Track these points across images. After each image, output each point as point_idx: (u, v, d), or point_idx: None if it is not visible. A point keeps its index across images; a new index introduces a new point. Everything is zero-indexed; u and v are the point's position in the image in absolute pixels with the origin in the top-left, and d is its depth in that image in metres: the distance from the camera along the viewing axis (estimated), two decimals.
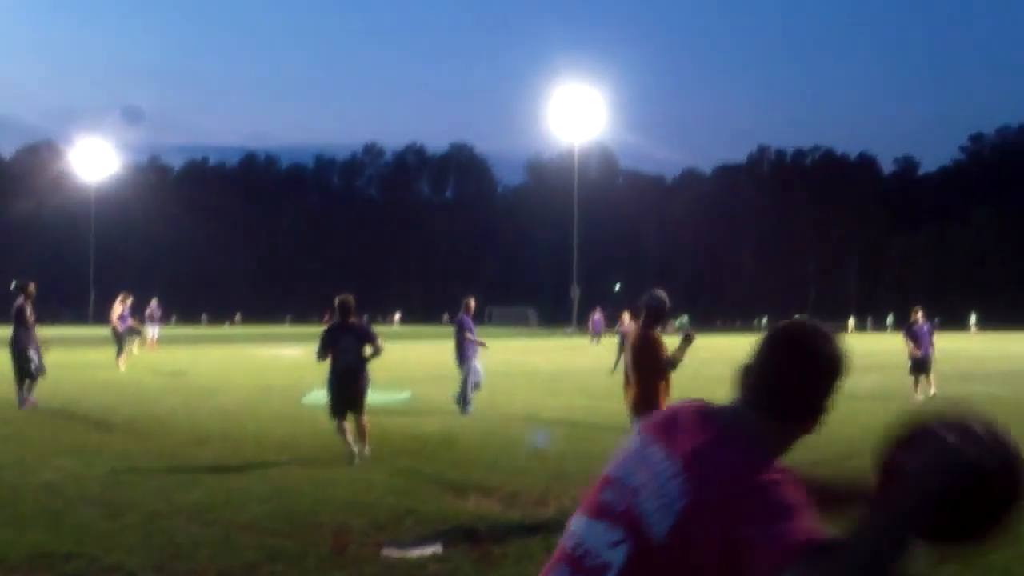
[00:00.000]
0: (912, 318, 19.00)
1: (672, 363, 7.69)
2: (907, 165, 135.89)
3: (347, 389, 10.73)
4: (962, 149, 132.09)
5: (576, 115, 79.85)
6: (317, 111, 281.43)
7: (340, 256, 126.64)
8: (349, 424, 10.64)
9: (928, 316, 20.06)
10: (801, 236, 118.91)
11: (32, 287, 16.00)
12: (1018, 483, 1.76)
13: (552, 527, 6.66)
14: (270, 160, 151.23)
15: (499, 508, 7.97)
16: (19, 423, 13.53)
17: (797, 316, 2.10)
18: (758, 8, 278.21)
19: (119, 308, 25.51)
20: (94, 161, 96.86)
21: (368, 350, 10.92)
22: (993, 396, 17.82)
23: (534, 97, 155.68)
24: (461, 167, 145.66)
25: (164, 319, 43.48)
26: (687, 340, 7.84)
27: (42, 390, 15.66)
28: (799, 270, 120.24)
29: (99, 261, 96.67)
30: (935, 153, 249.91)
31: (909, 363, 18.56)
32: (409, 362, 27.71)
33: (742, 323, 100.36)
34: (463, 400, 15.29)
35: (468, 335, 15.68)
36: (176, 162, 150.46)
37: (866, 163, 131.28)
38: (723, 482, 1.73)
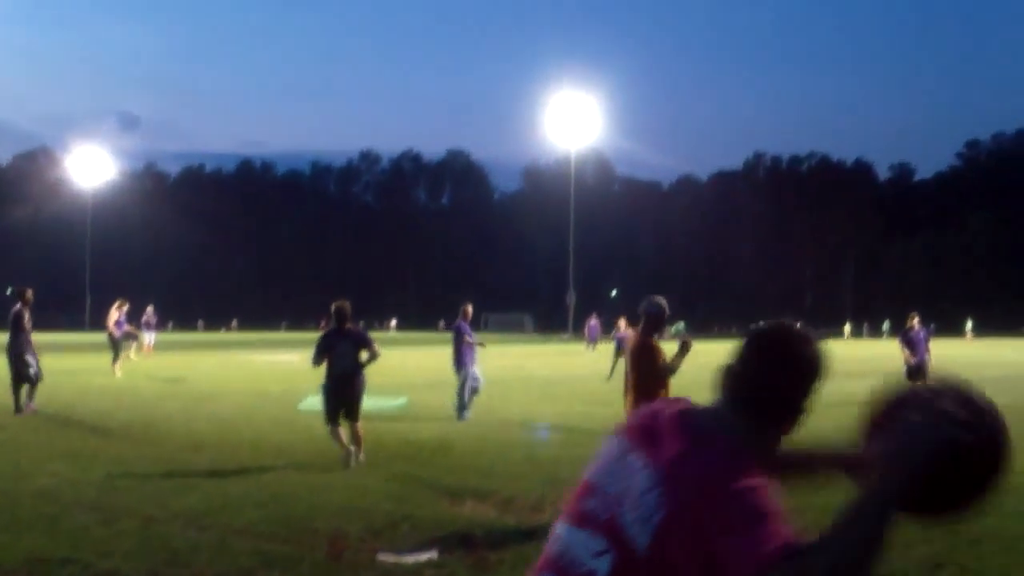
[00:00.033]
0: (908, 324, 19.00)
1: (670, 370, 7.71)
2: (903, 171, 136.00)
3: (343, 395, 10.76)
4: (958, 155, 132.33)
5: (572, 122, 79.95)
6: (313, 118, 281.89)
7: (336, 262, 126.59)
8: (344, 429, 10.67)
9: (924, 322, 20.07)
10: (797, 242, 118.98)
11: (30, 293, 16.07)
12: (1000, 453, 1.77)
13: (548, 533, 6.65)
14: (266, 167, 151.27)
15: (495, 514, 7.97)
16: (15, 428, 13.53)
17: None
18: (754, 15, 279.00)
19: (115, 314, 25.51)
20: (90, 168, 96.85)
21: (364, 355, 10.96)
22: None
23: (530, 104, 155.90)
24: (457, 174, 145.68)
25: (160, 325, 43.45)
26: (684, 348, 7.85)
27: (38, 395, 15.64)
28: (795, 276, 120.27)
29: (95, 267, 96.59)
30: (931, 159, 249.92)
31: (905, 369, 18.56)
32: (405, 368, 27.70)
33: (738, 329, 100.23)
34: (460, 406, 15.31)
35: (467, 338, 15.72)
36: (172, 169, 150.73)
37: (862, 169, 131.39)
38: (699, 493, 1.74)
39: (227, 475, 9.76)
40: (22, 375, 15.44)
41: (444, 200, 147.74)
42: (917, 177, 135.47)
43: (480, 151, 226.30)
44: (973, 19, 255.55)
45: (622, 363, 8.93)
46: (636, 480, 1.84)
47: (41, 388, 15.84)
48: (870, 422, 1.88)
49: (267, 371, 27.76)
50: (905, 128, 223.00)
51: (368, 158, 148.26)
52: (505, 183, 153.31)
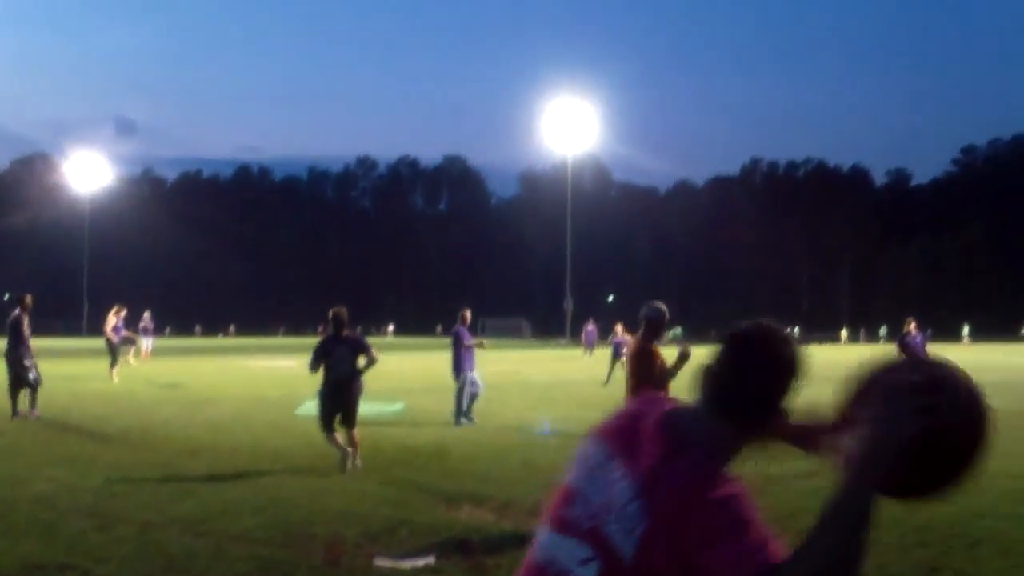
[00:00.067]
0: (905, 329, 19.04)
1: (669, 375, 7.72)
2: (899, 177, 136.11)
3: (339, 400, 10.78)
4: (954, 161, 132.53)
5: (569, 127, 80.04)
6: (311, 124, 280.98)
7: (334, 268, 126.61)
8: (340, 435, 10.70)
9: (921, 327, 20.10)
10: (794, 248, 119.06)
11: (29, 299, 16.12)
12: (977, 432, 1.76)
13: None
14: (264, 173, 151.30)
15: (492, 519, 7.98)
16: (12, 434, 13.52)
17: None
18: (751, 22, 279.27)
19: (113, 320, 25.51)
20: (88, 173, 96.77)
21: (362, 361, 10.98)
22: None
23: (527, 109, 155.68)
24: (454, 179, 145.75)
25: (158, 331, 43.43)
26: (683, 357, 7.79)
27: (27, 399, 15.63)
28: (792, 281, 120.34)
29: (93, 273, 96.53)
30: (927, 165, 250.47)
31: None
32: (403, 373, 27.69)
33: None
34: (457, 412, 15.32)
35: (465, 342, 15.77)
36: (170, 174, 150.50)
37: (858, 175, 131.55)
38: (678, 506, 1.74)
39: (224, 480, 9.77)
40: (22, 380, 15.49)
41: (441, 205, 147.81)
42: (913, 182, 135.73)
43: (477, 156, 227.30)
44: (969, 25, 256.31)
45: (619, 367, 8.94)
46: (617, 490, 1.84)
47: (38, 393, 15.84)
48: (845, 404, 1.88)
49: (264, 376, 27.74)
50: (901, 134, 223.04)
51: (365, 164, 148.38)
52: (502, 188, 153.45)
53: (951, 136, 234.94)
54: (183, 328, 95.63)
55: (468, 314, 16.30)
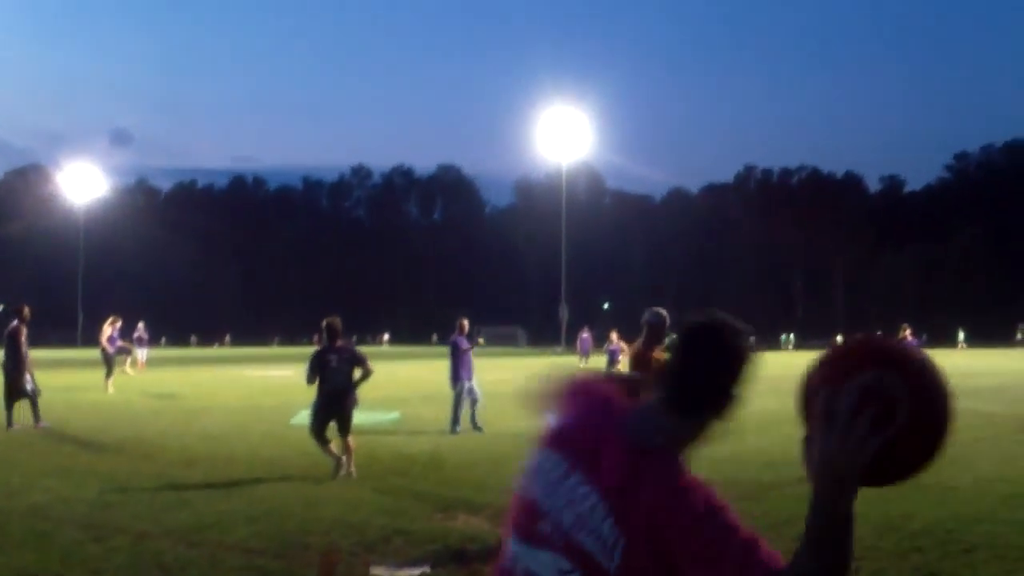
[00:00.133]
0: (900, 335, 19.09)
1: None
2: (893, 183, 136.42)
3: (333, 410, 10.79)
4: (947, 168, 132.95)
5: (563, 136, 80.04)
6: (305, 133, 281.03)
7: (329, 277, 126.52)
8: (334, 444, 10.70)
9: (916, 333, 20.15)
10: (788, 255, 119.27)
11: (27, 311, 16.14)
12: (940, 418, 1.73)
13: None
14: (258, 182, 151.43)
15: (487, 527, 7.96)
16: (6, 445, 13.48)
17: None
18: (743, 29, 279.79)
19: (108, 330, 25.49)
20: (82, 184, 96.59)
21: (357, 373, 10.97)
22: (983, 412, 17.86)
23: (521, 118, 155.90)
24: (449, 188, 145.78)
25: (153, 341, 43.36)
26: None
27: (29, 412, 15.59)
28: (787, 288, 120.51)
29: (87, 283, 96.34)
30: (920, 172, 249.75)
31: None
32: (398, 382, 27.66)
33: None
34: (453, 421, 15.31)
35: (462, 347, 15.81)
36: (164, 185, 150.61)
37: (852, 182, 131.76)
38: (650, 518, 1.74)
39: (219, 490, 9.75)
40: (21, 391, 15.50)
41: (436, 215, 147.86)
42: (907, 189, 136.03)
43: (471, 166, 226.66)
44: (961, 32, 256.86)
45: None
46: (587, 506, 1.83)
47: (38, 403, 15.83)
48: (802, 418, 1.82)
49: (259, 386, 27.70)
50: (895, 141, 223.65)
51: (360, 173, 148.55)
52: (496, 197, 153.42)
53: (944, 142, 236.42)
54: (178, 338, 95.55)
55: (466, 323, 16.32)
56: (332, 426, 10.84)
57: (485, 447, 13.33)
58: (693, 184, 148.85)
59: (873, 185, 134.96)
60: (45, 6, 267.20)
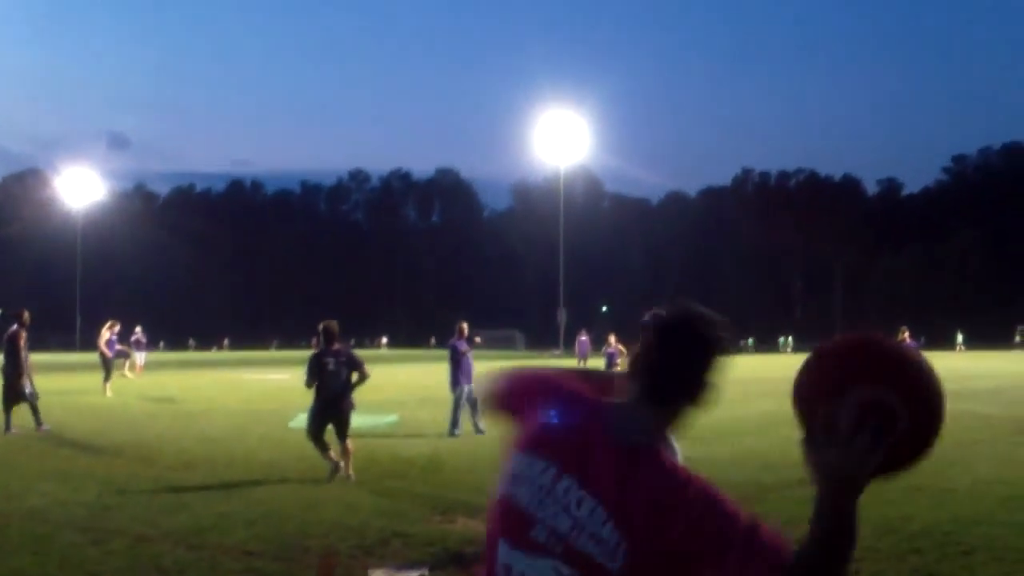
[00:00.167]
0: (898, 338, 19.07)
1: None
2: (891, 186, 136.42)
3: (330, 414, 10.80)
4: (945, 170, 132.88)
5: (561, 139, 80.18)
6: (303, 137, 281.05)
7: (327, 281, 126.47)
8: (332, 447, 10.71)
9: (914, 336, 20.16)
10: (786, 257, 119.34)
11: (27, 315, 16.15)
12: (937, 416, 1.75)
13: None
14: (256, 186, 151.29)
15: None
16: (5, 448, 13.48)
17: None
18: (741, 32, 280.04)
19: (106, 334, 25.53)
20: (80, 189, 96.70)
21: (355, 376, 10.98)
22: (981, 414, 17.89)
23: (519, 122, 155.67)
24: (447, 192, 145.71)
25: (151, 345, 43.38)
26: None
27: (26, 416, 15.59)
28: (785, 291, 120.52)
29: (85, 288, 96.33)
30: (918, 174, 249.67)
31: None
32: (396, 385, 27.66)
33: (729, 344, 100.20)
34: (452, 423, 15.31)
35: (461, 349, 15.84)
36: (162, 189, 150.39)
37: (850, 184, 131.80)
38: (654, 515, 1.75)
39: (218, 493, 9.75)
40: (19, 395, 15.51)
41: (434, 218, 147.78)
42: (905, 192, 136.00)
43: (469, 169, 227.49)
44: (959, 35, 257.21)
45: None
46: (583, 514, 1.82)
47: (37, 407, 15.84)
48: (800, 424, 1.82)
49: (258, 389, 27.69)
50: (892, 143, 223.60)
51: (358, 177, 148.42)
52: (494, 201, 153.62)
53: (942, 145, 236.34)
54: (176, 342, 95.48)
55: (465, 327, 16.35)
56: (330, 430, 10.85)
57: (483, 450, 13.30)
58: (691, 187, 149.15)
59: (871, 188, 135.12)
60: (42, 11, 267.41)
